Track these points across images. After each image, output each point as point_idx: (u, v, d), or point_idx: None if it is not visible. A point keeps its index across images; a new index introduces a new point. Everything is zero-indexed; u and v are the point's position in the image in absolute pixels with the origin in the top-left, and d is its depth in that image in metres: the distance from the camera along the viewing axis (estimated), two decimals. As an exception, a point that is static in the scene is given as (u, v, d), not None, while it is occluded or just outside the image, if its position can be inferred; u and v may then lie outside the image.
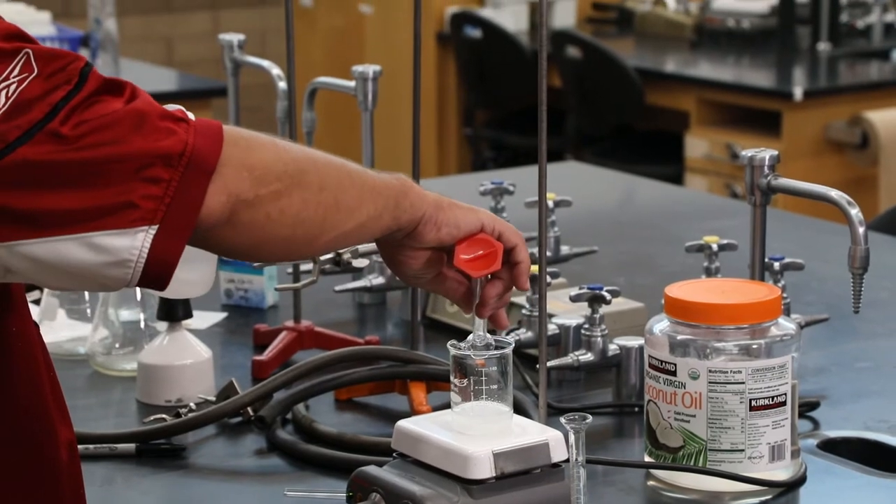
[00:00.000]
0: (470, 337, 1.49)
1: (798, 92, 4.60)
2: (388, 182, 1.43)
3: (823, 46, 5.07)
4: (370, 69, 2.29)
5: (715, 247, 2.09)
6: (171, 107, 1.31)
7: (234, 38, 2.49)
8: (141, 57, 5.61)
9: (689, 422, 1.64)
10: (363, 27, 5.90)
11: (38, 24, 4.14)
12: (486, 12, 5.56)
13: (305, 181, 1.35)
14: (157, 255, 1.26)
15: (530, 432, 1.50)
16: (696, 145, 4.87)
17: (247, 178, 1.31)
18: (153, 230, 1.25)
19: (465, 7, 5.63)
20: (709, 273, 2.10)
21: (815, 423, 1.86)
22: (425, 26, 5.54)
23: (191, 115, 1.32)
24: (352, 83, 2.29)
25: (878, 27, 5.27)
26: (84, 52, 4.18)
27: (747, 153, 1.83)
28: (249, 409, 1.83)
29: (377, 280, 2.23)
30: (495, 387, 1.48)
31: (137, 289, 1.97)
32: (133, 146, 1.25)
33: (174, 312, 1.93)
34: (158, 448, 1.78)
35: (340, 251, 1.83)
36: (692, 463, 1.65)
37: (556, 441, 1.48)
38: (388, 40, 5.74)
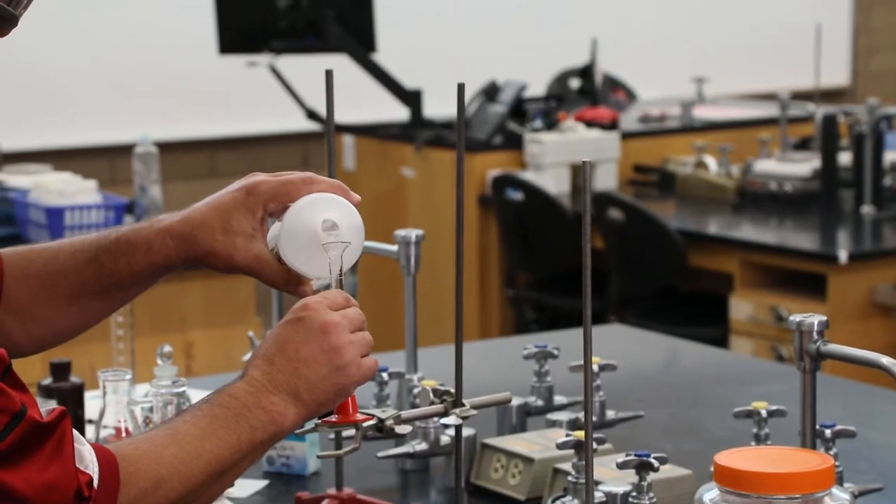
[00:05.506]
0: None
1: (843, 255, 4.57)
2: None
3: (867, 209, 5.06)
4: (412, 233, 2.29)
5: (764, 412, 2.06)
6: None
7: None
8: (185, 220, 5.65)
9: None
10: (405, 190, 5.93)
11: (85, 192, 4.23)
12: (528, 175, 5.59)
13: None
14: None
15: None
16: (741, 307, 4.85)
17: None
18: None
19: (507, 170, 5.66)
20: (758, 440, 2.06)
21: None
22: (467, 189, 5.57)
23: (95, 480, 1.44)
24: (394, 247, 2.28)
25: (923, 190, 5.25)
26: (129, 219, 4.21)
27: (795, 318, 1.81)
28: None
29: (420, 446, 2.20)
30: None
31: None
32: None
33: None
34: None
35: (382, 417, 1.80)
36: None
37: None
38: (431, 203, 5.77)
